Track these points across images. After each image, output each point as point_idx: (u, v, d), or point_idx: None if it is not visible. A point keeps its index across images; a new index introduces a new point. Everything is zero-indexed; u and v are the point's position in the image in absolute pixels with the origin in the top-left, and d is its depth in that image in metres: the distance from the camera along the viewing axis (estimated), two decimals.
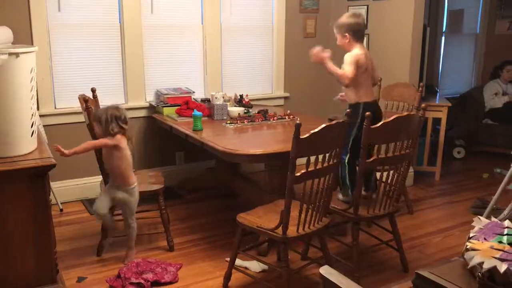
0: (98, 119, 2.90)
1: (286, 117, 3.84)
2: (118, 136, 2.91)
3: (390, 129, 2.67)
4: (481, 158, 5.51)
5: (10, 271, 2.36)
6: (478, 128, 5.73)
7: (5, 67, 2.24)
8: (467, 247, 1.14)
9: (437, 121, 4.80)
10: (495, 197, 3.45)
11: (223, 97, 4.00)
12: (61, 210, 3.92)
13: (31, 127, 2.44)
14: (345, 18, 3.11)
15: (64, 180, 4.07)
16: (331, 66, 3.04)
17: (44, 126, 3.75)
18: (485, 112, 5.74)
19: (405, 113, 2.84)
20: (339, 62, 3.09)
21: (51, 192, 3.21)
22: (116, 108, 2.96)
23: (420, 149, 4.75)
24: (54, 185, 3.89)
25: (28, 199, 2.33)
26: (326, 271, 1.31)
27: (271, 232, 2.54)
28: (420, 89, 3.79)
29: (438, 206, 4.21)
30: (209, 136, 3.35)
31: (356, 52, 3.02)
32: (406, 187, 3.99)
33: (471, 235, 1.18)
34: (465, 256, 1.15)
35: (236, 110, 3.92)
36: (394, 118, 2.66)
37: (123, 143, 2.93)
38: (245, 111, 3.94)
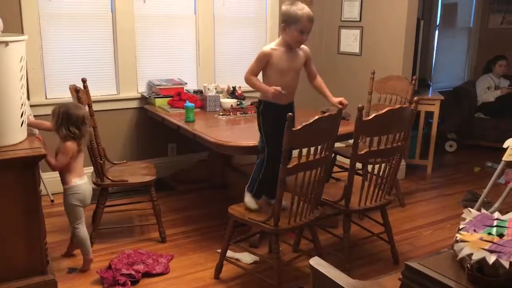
0: (52, 113, 2.72)
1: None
2: (67, 144, 2.69)
3: (382, 122, 2.67)
4: (473, 152, 5.54)
5: (0, 262, 2.35)
6: (470, 122, 5.76)
7: None
8: (457, 238, 1.15)
9: (429, 114, 4.82)
10: (485, 191, 3.47)
11: (215, 89, 3.99)
12: (52, 201, 3.90)
13: (21, 116, 2.42)
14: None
15: (55, 171, 4.03)
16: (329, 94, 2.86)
17: (34, 116, 3.70)
18: (477, 106, 5.76)
19: (397, 106, 2.84)
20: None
21: (42, 183, 3.19)
22: (69, 107, 2.72)
23: (412, 142, 4.77)
24: (45, 176, 3.86)
25: (18, 189, 2.32)
26: (315, 262, 1.31)
27: (262, 224, 2.54)
28: (413, 82, 3.79)
29: (430, 199, 4.23)
30: (201, 127, 3.34)
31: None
32: (397, 180, 4.00)
33: (461, 226, 1.18)
34: (454, 248, 1.16)
35: (228, 102, 3.91)
36: (386, 111, 2.66)
37: (67, 151, 2.71)
38: (238, 103, 3.92)
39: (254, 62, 2.70)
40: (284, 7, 2.64)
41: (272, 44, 2.70)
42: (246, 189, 2.79)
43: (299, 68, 2.76)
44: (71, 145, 2.71)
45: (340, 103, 2.76)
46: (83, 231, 2.88)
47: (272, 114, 2.69)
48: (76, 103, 2.90)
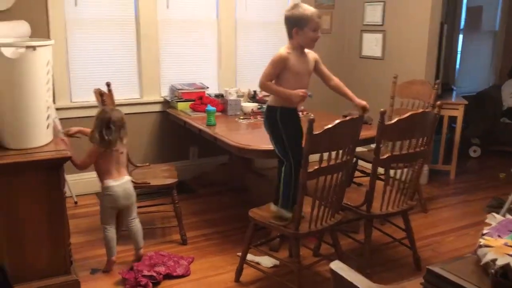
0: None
1: (300, 113, 3.82)
2: (92, 147, 2.80)
3: (404, 126, 2.65)
4: (498, 158, 5.44)
5: (25, 261, 2.40)
6: (495, 127, 5.65)
7: (22, 60, 2.28)
8: (481, 243, 1.13)
9: (453, 119, 4.75)
10: (511, 197, 3.40)
11: (236, 93, 4.01)
12: (76, 202, 3.96)
13: (47, 119, 2.48)
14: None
15: (79, 173, 4.10)
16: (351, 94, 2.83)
17: (60, 119, 3.79)
18: (502, 111, 5.65)
19: (420, 111, 2.82)
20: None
21: (66, 185, 3.25)
22: (104, 111, 2.83)
23: (435, 147, 4.70)
24: (69, 178, 3.93)
25: (43, 190, 2.37)
26: (336, 265, 1.30)
27: (283, 228, 2.54)
28: (436, 86, 3.75)
29: (453, 205, 4.16)
30: (222, 131, 3.36)
31: None
32: (420, 185, 3.96)
33: (484, 231, 1.16)
34: (478, 253, 1.14)
35: (249, 106, 3.92)
36: (409, 115, 2.64)
37: (90, 154, 2.81)
38: (259, 106, 3.94)
39: (269, 67, 2.59)
40: (289, 13, 2.59)
41: (284, 48, 2.63)
42: (279, 206, 2.65)
43: (311, 72, 2.75)
44: (95, 148, 2.78)
45: (364, 107, 2.74)
46: (110, 233, 2.93)
47: (293, 120, 2.67)
48: (114, 107, 2.98)
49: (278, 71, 2.58)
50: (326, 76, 2.83)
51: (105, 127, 2.76)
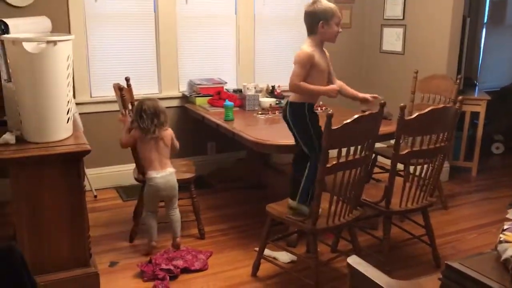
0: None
1: (319, 109, 3.80)
2: (133, 130, 3.03)
3: (425, 121, 2.61)
4: None
5: (45, 253, 2.44)
6: None
7: (43, 55, 2.31)
8: (501, 239, 1.10)
9: (475, 115, 4.66)
10: None
11: (255, 88, 4.00)
12: (95, 196, 4.01)
13: (67, 113, 2.51)
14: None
15: (98, 168, 4.16)
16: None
17: (80, 114, 3.84)
18: None
19: (441, 106, 2.77)
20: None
21: (86, 179, 3.29)
22: (142, 101, 3.03)
23: (456, 144, 4.63)
24: (89, 172, 3.98)
25: (63, 183, 2.40)
26: (353, 260, 1.29)
27: (300, 223, 2.53)
28: (458, 81, 3.68)
29: (474, 202, 4.09)
30: (240, 126, 3.36)
31: None
32: (441, 182, 3.90)
33: (505, 227, 1.14)
34: (498, 249, 1.12)
35: (267, 101, 3.91)
36: (429, 110, 2.60)
37: (131, 135, 3.05)
38: (277, 102, 3.93)
39: (298, 67, 2.54)
40: (312, 7, 2.57)
41: (307, 46, 2.61)
42: (297, 201, 2.66)
43: (329, 68, 2.73)
44: (134, 132, 3.02)
45: (365, 99, 2.74)
46: (149, 219, 3.09)
47: (315, 114, 2.67)
48: (152, 98, 3.16)
49: (307, 69, 2.56)
50: (332, 74, 2.81)
51: (138, 115, 2.97)
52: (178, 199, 3.57)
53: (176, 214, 3.13)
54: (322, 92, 2.62)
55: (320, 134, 2.55)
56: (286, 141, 2.96)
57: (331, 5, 2.59)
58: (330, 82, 2.77)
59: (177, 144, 3.19)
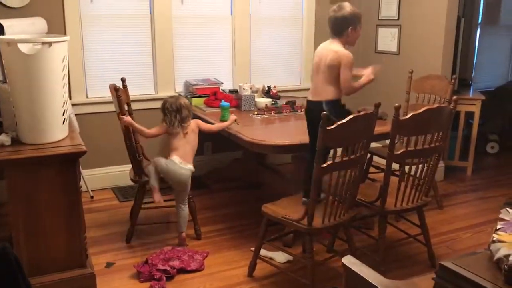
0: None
1: None
2: (161, 124, 3.25)
3: (419, 121, 2.62)
4: None
5: (41, 253, 2.44)
6: None
7: (39, 56, 2.30)
8: (494, 238, 1.12)
9: (470, 114, 4.68)
10: None
11: (250, 88, 4.00)
12: (92, 197, 4.01)
13: (63, 114, 2.51)
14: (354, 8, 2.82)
15: (95, 168, 4.16)
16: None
17: (76, 115, 3.84)
18: None
19: (435, 106, 2.78)
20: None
21: (82, 179, 3.29)
22: (167, 99, 3.27)
23: (452, 143, 4.65)
24: (86, 173, 3.98)
25: (59, 184, 2.40)
26: (348, 260, 1.30)
27: (296, 223, 2.54)
28: (453, 81, 3.70)
29: (469, 201, 4.11)
30: (236, 126, 3.36)
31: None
32: (436, 181, 3.92)
33: (498, 226, 1.15)
34: (491, 248, 1.13)
35: (263, 101, 3.92)
36: (424, 110, 2.61)
37: (158, 128, 3.27)
38: (273, 102, 3.93)
39: (349, 71, 2.71)
40: (347, 12, 2.72)
41: (343, 48, 2.75)
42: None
43: None
44: (161, 125, 3.22)
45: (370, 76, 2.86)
46: (180, 210, 3.21)
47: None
48: (175, 95, 3.41)
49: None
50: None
51: (163, 113, 3.20)
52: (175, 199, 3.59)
53: (184, 210, 3.21)
54: (366, 84, 2.85)
55: None
56: (282, 141, 2.97)
57: (358, 11, 2.79)
58: None
59: (208, 126, 3.34)
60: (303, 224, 2.50)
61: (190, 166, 3.20)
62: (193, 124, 3.27)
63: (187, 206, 3.23)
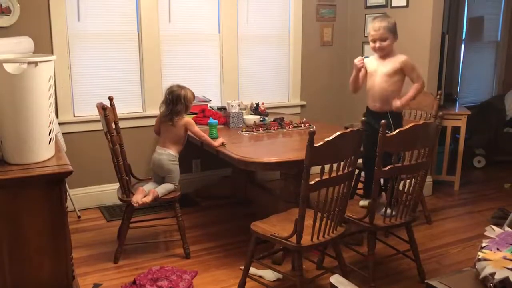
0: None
1: (302, 125, 3.83)
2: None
3: (406, 137, 2.64)
4: (502, 168, 5.41)
5: (26, 276, 2.39)
6: (499, 137, 5.63)
7: (24, 76, 2.29)
8: (479, 257, 1.12)
9: (456, 129, 4.73)
10: None
11: (239, 105, 4.01)
12: (79, 217, 3.96)
13: (49, 134, 2.48)
14: (392, 19, 3.13)
15: (82, 188, 4.12)
16: (407, 98, 3.09)
17: (63, 133, 3.81)
18: (506, 121, 5.63)
19: (421, 122, 2.81)
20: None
21: (69, 199, 3.26)
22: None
23: (439, 158, 4.69)
24: (73, 192, 3.95)
25: (45, 205, 2.36)
26: (336, 280, 1.30)
27: (285, 241, 2.52)
28: (438, 97, 3.74)
29: (457, 216, 4.13)
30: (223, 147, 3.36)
31: (406, 56, 3.15)
32: (424, 196, 3.94)
33: (483, 244, 1.15)
34: (477, 266, 1.13)
35: (251, 118, 3.93)
36: (410, 127, 2.64)
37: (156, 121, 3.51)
38: (261, 119, 3.94)
39: (416, 68, 3.12)
40: (389, 23, 3.07)
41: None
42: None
43: None
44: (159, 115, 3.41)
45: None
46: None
47: None
48: (185, 86, 3.40)
49: None
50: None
51: (164, 98, 3.34)
52: (163, 218, 3.57)
53: (169, 185, 3.31)
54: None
55: None
56: (270, 159, 2.97)
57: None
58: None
59: (196, 131, 3.34)
60: (292, 242, 2.49)
61: (169, 151, 3.32)
62: (182, 123, 3.32)
63: (173, 186, 3.31)
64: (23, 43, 3.47)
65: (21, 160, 2.40)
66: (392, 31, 3.08)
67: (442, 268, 3.19)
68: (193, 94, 3.40)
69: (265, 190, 4.16)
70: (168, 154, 3.32)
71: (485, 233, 1.21)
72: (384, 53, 3.10)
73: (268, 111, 4.27)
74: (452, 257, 3.35)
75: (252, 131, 3.71)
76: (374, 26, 3.05)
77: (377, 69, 3.11)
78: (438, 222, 3.96)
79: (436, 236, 3.69)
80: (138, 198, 3.13)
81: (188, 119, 3.37)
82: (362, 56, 3.23)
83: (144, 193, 3.19)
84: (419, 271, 2.99)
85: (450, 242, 3.58)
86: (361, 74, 3.20)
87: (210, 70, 4.57)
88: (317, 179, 2.38)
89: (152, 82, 4.27)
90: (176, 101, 3.25)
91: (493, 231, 1.20)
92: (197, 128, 3.36)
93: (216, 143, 3.30)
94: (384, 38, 3.04)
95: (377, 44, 3.06)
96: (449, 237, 3.67)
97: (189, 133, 3.42)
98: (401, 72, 3.08)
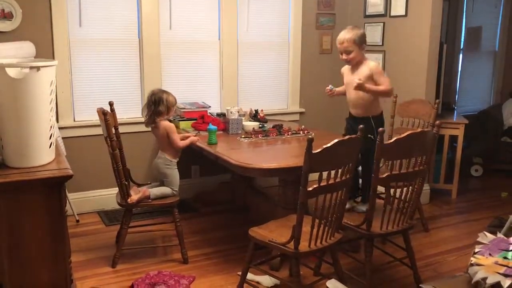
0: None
1: (301, 132, 3.86)
2: None
3: (403, 145, 2.67)
4: (500, 177, 5.43)
5: (24, 280, 2.40)
6: (496, 146, 5.66)
7: (26, 80, 2.32)
8: (472, 262, 1.14)
9: (454, 138, 4.76)
10: None
11: (238, 112, 4.04)
12: (78, 221, 3.97)
13: (50, 138, 2.50)
14: (358, 30, 3.18)
15: (81, 192, 4.13)
16: (370, 86, 3.12)
17: (63, 138, 3.83)
18: (504, 130, 5.67)
19: (419, 130, 2.84)
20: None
21: (68, 203, 3.27)
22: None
23: (436, 167, 4.71)
24: (72, 196, 3.96)
25: (44, 209, 2.37)
26: (333, 285, 1.31)
27: (282, 247, 2.54)
28: (436, 106, 3.77)
29: (455, 224, 4.15)
30: (223, 150, 3.38)
31: (375, 62, 3.22)
32: (421, 204, 3.96)
33: (476, 250, 1.17)
34: (469, 271, 1.15)
35: (250, 125, 3.95)
36: (407, 135, 2.66)
37: None
38: (260, 125, 3.97)
39: (383, 74, 3.18)
40: (355, 35, 3.10)
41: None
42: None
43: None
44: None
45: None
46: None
47: None
48: (166, 90, 3.42)
49: None
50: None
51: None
52: (162, 223, 3.59)
53: (168, 189, 3.36)
54: None
55: None
56: (269, 165, 2.99)
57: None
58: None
59: (173, 139, 3.33)
60: (290, 248, 2.50)
61: (165, 155, 3.37)
62: (162, 126, 3.32)
63: (171, 191, 3.34)
64: (25, 48, 3.51)
65: (21, 163, 2.42)
66: (357, 42, 3.13)
67: (439, 275, 3.20)
68: (175, 98, 3.40)
69: (264, 196, 4.18)
70: (163, 158, 3.37)
71: (478, 239, 1.23)
72: (354, 63, 3.20)
73: (267, 118, 4.29)
74: (448, 264, 3.37)
75: (251, 137, 3.73)
76: (339, 39, 3.16)
77: (351, 79, 3.19)
78: (435, 230, 3.98)
79: (433, 244, 3.70)
80: (134, 198, 3.19)
81: (168, 123, 3.36)
82: (328, 87, 3.42)
83: (138, 192, 3.23)
84: (416, 278, 3.00)
85: (447, 250, 3.60)
86: (340, 91, 3.44)
87: (210, 76, 4.60)
88: (315, 186, 2.40)
89: (152, 88, 4.25)
90: (158, 102, 3.27)
91: (486, 237, 1.23)
92: (175, 136, 3.35)
93: (188, 140, 3.43)
94: (349, 51, 3.13)
95: (344, 57, 3.18)
96: (446, 245, 3.69)
97: (199, 143, 3.52)
98: (373, 78, 3.15)
